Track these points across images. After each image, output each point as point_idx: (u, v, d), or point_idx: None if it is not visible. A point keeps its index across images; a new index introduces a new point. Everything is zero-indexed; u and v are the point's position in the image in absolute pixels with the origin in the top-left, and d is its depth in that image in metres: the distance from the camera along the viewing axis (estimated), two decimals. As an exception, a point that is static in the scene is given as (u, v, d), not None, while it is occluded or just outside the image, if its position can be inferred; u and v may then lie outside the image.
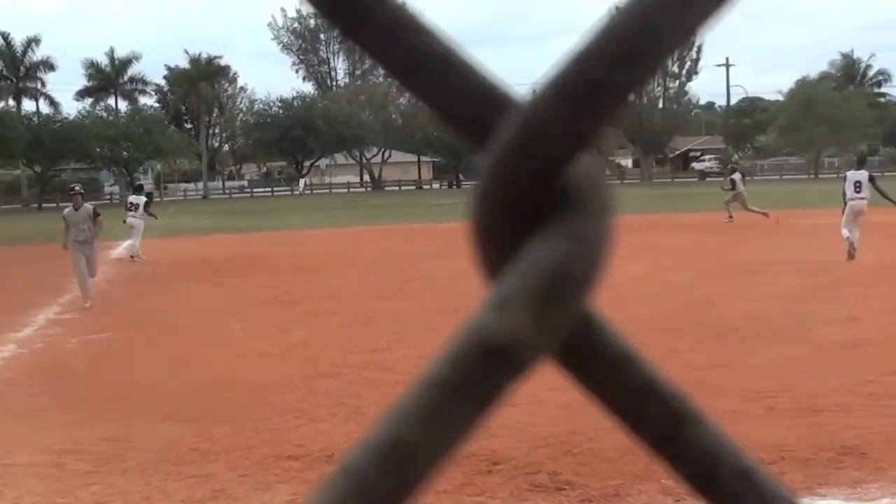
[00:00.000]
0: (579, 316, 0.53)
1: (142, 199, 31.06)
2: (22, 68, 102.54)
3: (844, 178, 24.29)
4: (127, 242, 30.54)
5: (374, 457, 0.47)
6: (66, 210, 20.89)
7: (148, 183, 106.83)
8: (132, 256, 29.35)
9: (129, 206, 31.13)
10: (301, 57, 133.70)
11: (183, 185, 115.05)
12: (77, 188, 21.58)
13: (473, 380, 0.48)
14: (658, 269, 21.36)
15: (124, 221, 30.35)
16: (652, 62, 0.48)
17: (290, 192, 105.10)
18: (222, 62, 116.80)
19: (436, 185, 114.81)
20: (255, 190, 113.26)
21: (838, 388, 10.22)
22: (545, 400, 10.08)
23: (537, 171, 0.49)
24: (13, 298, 20.50)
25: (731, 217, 35.58)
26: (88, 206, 20.92)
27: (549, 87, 0.49)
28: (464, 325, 0.49)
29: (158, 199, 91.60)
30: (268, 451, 8.60)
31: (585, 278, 0.50)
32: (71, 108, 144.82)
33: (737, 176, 36.82)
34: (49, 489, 7.77)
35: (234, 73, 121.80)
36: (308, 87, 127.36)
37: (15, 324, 17.09)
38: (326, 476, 0.47)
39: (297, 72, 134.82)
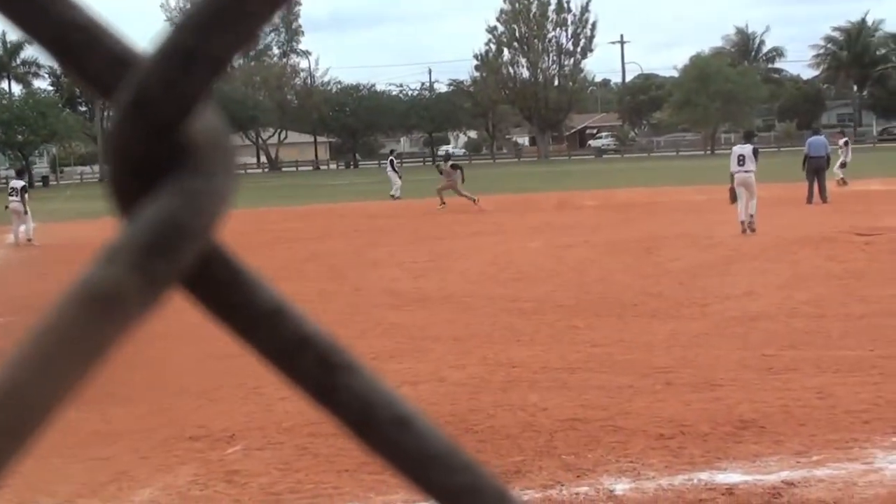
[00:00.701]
0: (227, 269, 0.57)
1: (19, 184, 30.60)
2: None
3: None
4: (21, 227, 29.95)
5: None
6: None
7: (43, 167, 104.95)
8: (29, 239, 28.90)
9: (10, 191, 30.66)
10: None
11: (79, 169, 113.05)
12: None
13: (79, 329, 0.50)
14: (556, 247, 21.55)
15: (7, 207, 29.92)
16: (241, 32, 0.52)
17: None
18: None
19: (333, 166, 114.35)
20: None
21: (736, 362, 10.41)
22: (445, 378, 10.17)
23: (148, 132, 0.52)
24: None
25: (443, 203, 34.97)
26: None
27: (154, 53, 0.52)
28: (76, 277, 0.51)
29: (55, 183, 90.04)
30: (169, 433, 8.54)
31: (192, 232, 0.52)
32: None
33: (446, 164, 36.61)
34: (-56, 478, 7.64)
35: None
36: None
37: None
38: None
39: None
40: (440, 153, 40.84)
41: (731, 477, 7.00)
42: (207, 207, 0.53)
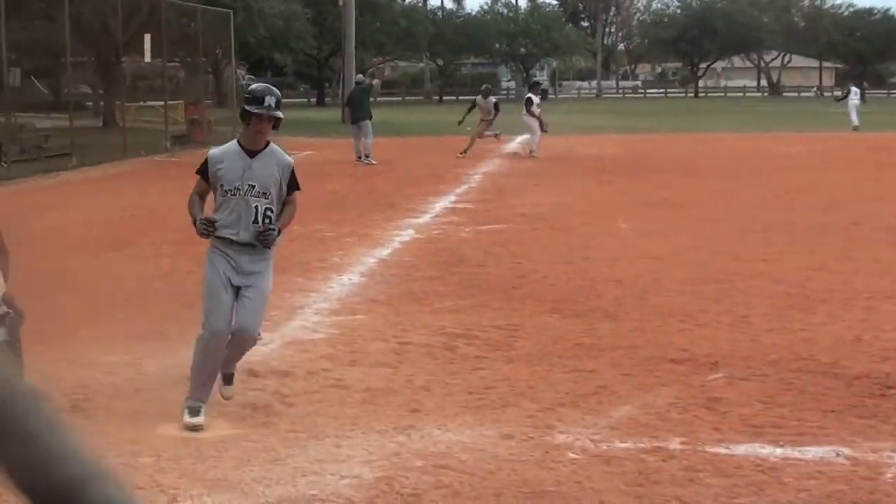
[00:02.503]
0: None
1: (526, 97, 31.10)
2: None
3: None
4: (523, 137, 30.85)
5: None
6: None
7: (543, 79, 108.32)
8: (530, 152, 29.54)
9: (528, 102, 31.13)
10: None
11: (577, 83, 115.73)
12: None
13: None
14: None
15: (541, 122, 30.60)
16: None
17: (683, 94, 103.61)
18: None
19: (838, 93, 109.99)
20: (648, 90, 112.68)
21: None
22: (947, 325, 9.53)
23: None
24: (415, 187, 21.39)
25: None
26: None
27: None
28: None
29: (553, 97, 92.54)
30: (651, 353, 8.56)
31: None
32: (473, 3, 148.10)
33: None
34: (440, 370, 8.07)
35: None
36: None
37: (415, 210, 17.85)
38: None
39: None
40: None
41: None
42: None
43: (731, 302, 10.42)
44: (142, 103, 42.01)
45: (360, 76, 32.36)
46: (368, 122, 27.66)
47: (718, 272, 11.98)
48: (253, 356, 8.27)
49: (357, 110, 28.09)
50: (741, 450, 6.31)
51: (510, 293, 10.98)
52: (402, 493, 5.67)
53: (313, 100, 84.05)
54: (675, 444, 6.38)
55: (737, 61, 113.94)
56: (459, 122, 30.21)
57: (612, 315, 9.93)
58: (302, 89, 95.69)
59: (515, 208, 18.15)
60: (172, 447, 6.36)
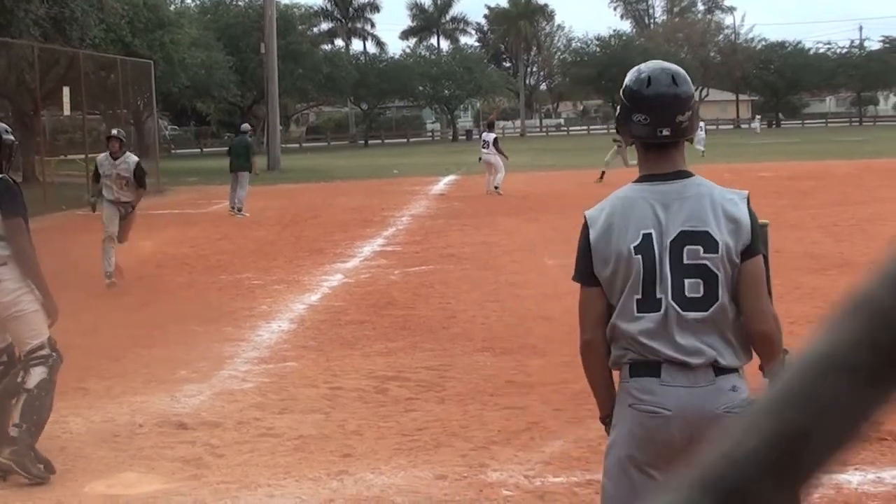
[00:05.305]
0: None
1: (491, 136, 30.95)
2: (350, 10, 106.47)
3: None
4: (487, 178, 30.71)
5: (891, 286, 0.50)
6: (101, 156, 15.49)
7: (467, 121, 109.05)
8: (495, 187, 29.73)
9: (483, 143, 31.43)
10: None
11: (501, 123, 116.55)
12: (115, 132, 15.73)
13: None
14: None
15: (479, 159, 30.82)
16: None
17: (606, 131, 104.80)
18: (541, 1, 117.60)
19: (754, 125, 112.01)
20: (571, 128, 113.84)
21: None
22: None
23: None
24: (342, 231, 21.39)
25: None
26: (133, 156, 15.45)
27: None
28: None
29: (477, 137, 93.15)
30: (581, 387, 8.56)
31: None
32: (396, 47, 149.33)
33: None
34: (373, 413, 8.07)
35: (552, 12, 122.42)
36: (625, 25, 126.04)
37: (343, 255, 17.85)
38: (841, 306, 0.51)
39: (614, 9, 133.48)
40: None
41: None
42: None
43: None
44: (62, 157, 41.57)
45: (246, 125, 30.82)
46: (246, 174, 26.58)
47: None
48: (182, 408, 8.21)
49: (235, 160, 26.71)
50: (672, 479, 6.38)
51: (440, 333, 11.02)
52: (338, 539, 5.66)
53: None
54: (607, 477, 6.43)
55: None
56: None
57: (542, 351, 9.99)
58: (226, 137, 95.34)
59: (443, 249, 18.21)
60: (100, 505, 6.30)
